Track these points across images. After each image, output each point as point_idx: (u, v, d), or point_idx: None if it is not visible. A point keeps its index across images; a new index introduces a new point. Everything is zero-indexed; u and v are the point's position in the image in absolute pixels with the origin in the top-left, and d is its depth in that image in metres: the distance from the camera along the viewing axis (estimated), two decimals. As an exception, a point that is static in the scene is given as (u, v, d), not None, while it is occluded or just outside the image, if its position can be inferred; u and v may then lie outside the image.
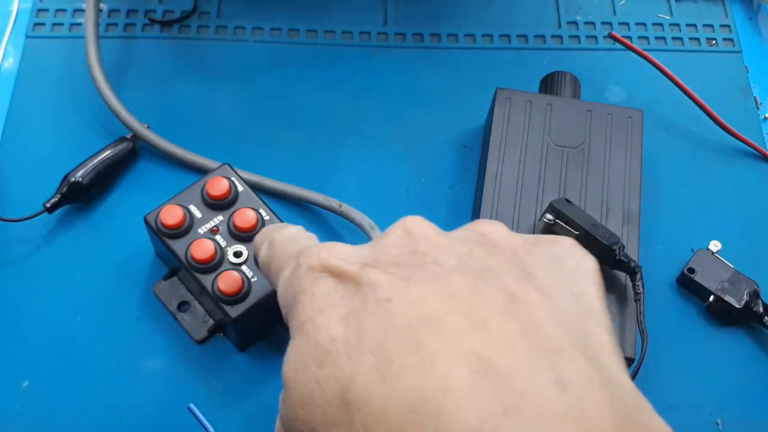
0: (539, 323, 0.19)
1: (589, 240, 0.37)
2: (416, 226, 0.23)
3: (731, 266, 0.42)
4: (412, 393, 0.18)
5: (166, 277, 0.40)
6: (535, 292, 0.21)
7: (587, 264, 0.23)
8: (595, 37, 0.51)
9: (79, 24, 0.49)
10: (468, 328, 0.19)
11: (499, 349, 0.18)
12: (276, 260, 0.26)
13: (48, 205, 0.41)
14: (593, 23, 0.52)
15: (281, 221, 0.38)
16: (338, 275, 0.22)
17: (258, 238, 0.30)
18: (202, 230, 0.37)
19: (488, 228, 0.24)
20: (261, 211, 0.38)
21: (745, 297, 0.41)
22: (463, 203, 0.44)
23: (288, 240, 0.27)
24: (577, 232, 0.37)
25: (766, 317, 0.40)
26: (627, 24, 0.52)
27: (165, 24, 0.50)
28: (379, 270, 0.21)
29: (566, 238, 0.24)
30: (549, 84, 0.45)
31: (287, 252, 0.26)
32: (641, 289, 0.37)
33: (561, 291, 0.21)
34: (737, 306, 0.40)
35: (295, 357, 0.21)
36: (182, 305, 0.40)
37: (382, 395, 0.18)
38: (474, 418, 0.17)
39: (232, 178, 0.38)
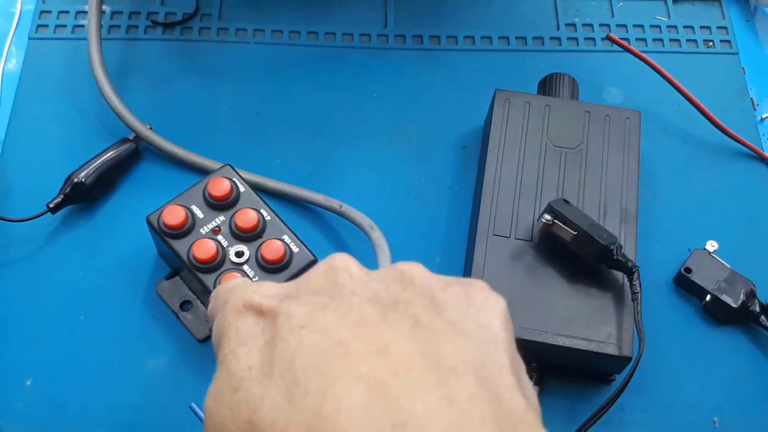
0: (439, 346, 0.21)
1: (587, 240, 0.37)
2: (340, 260, 0.25)
3: (728, 266, 0.42)
4: (312, 413, 0.19)
5: (169, 277, 0.40)
6: (441, 321, 0.22)
7: (496, 302, 0.24)
8: (593, 39, 0.52)
9: (82, 26, 0.50)
10: (370, 351, 0.20)
11: (395, 370, 0.20)
12: (214, 309, 0.28)
13: (51, 205, 0.41)
14: (591, 25, 0.52)
15: (282, 221, 0.38)
16: (259, 311, 0.23)
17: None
18: (204, 230, 0.38)
19: (407, 266, 0.25)
20: (262, 211, 0.38)
21: (742, 296, 0.41)
22: (462, 203, 0.45)
23: (228, 288, 0.28)
24: (575, 232, 0.37)
25: (762, 317, 0.41)
26: (625, 26, 0.53)
27: (167, 26, 0.50)
28: (297, 301, 0.23)
29: (479, 281, 0.25)
30: (547, 85, 0.45)
31: (222, 298, 0.27)
32: (638, 288, 0.37)
33: (467, 323, 0.23)
34: (734, 305, 0.41)
35: (214, 388, 0.23)
36: (184, 304, 0.40)
37: (285, 416, 0.20)
38: None
39: (234, 179, 0.39)
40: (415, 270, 0.25)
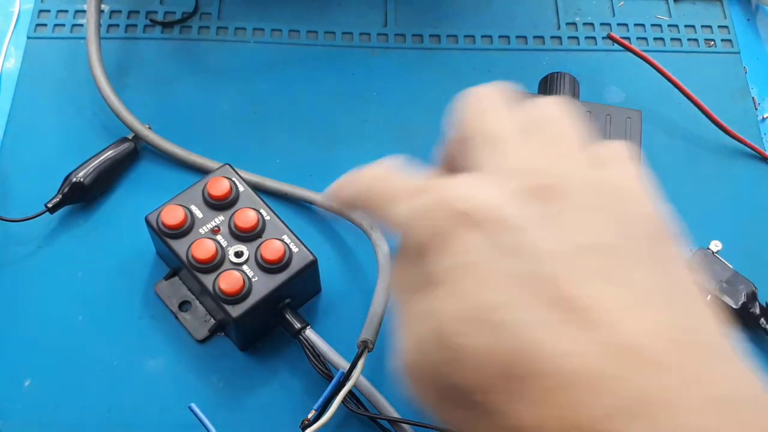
0: (685, 312, 0.21)
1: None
2: (547, 163, 0.23)
3: (731, 267, 0.42)
4: (580, 378, 0.19)
5: (167, 277, 0.40)
6: (669, 281, 0.22)
7: (680, 252, 0.24)
8: (594, 38, 0.52)
9: (81, 25, 0.50)
10: (624, 315, 0.20)
11: (654, 339, 0.19)
12: (379, 189, 0.26)
13: (50, 205, 0.41)
14: (592, 24, 0.52)
15: (282, 221, 0.38)
16: (481, 227, 0.21)
17: (330, 188, 0.30)
18: (203, 230, 0.37)
19: (610, 150, 0.25)
20: (262, 211, 0.38)
21: (743, 298, 0.41)
22: (462, 203, 0.44)
23: (385, 174, 0.27)
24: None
25: (762, 319, 0.40)
26: (626, 25, 0.52)
27: (166, 25, 0.50)
28: (527, 237, 0.21)
29: (661, 216, 0.25)
30: (548, 85, 0.45)
31: (393, 184, 0.25)
32: (640, 288, 0.37)
33: (683, 281, 0.23)
34: (734, 307, 0.41)
35: (446, 318, 0.21)
36: (183, 305, 0.40)
37: (550, 376, 0.19)
38: (636, 405, 0.18)
39: (233, 179, 0.39)
40: (631, 189, 0.25)
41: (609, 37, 0.48)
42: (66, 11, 0.50)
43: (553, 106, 0.26)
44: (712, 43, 0.52)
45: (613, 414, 0.18)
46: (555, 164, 0.23)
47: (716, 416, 0.18)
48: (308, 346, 0.37)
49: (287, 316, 0.38)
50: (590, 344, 0.19)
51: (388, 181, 0.26)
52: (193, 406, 0.37)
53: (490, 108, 0.26)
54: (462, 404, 0.21)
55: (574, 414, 0.19)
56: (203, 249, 0.36)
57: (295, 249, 0.37)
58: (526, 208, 0.22)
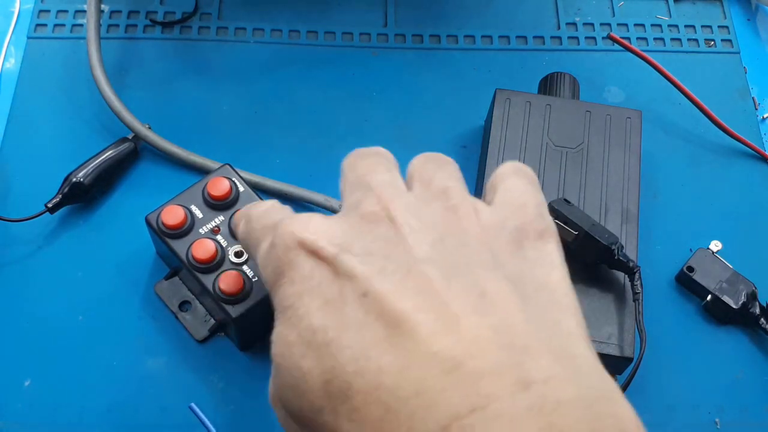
0: (509, 319, 0.20)
1: (588, 240, 0.37)
2: (390, 201, 0.24)
3: (730, 267, 0.42)
4: (389, 393, 0.19)
5: (168, 277, 0.40)
6: (506, 284, 0.21)
7: (549, 250, 0.24)
8: (594, 38, 0.52)
9: (81, 25, 0.50)
10: (440, 327, 0.20)
11: (469, 350, 0.19)
12: (253, 234, 0.27)
13: (49, 205, 0.41)
14: (592, 24, 0.52)
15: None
16: (314, 254, 0.23)
17: (236, 215, 0.32)
18: (203, 230, 0.37)
19: (458, 204, 0.24)
20: (262, 211, 0.38)
21: (743, 298, 0.41)
22: (462, 203, 0.44)
23: (263, 213, 0.28)
24: (576, 232, 0.37)
25: (762, 319, 0.41)
26: (626, 25, 0.52)
27: (166, 25, 0.50)
28: (355, 258, 0.22)
29: (529, 219, 0.24)
30: (548, 85, 0.45)
31: (263, 224, 0.27)
32: (640, 288, 0.37)
33: (527, 283, 0.22)
34: (734, 307, 0.41)
35: (282, 344, 0.22)
36: (183, 305, 0.40)
37: (362, 393, 0.20)
38: (444, 418, 0.18)
39: (233, 179, 0.39)
40: (467, 213, 0.24)
41: (609, 37, 0.48)
42: (66, 11, 0.50)
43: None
44: (712, 43, 0.52)
45: (439, 430, 0.18)
46: (395, 201, 0.24)
47: (536, 425, 0.18)
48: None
49: (287, 316, 0.38)
50: (410, 358, 0.19)
51: (259, 222, 0.27)
52: (193, 406, 0.37)
53: (372, 162, 0.27)
54: (310, 429, 0.22)
55: (392, 429, 0.19)
56: (203, 249, 0.36)
57: (295, 249, 0.37)
58: (361, 236, 0.23)
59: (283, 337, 0.22)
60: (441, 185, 0.25)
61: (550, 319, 0.21)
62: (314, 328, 0.21)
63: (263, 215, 0.27)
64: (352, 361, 0.20)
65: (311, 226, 0.24)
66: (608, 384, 0.20)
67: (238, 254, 0.37)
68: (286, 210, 0.28)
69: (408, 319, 0.20)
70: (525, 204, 0.25)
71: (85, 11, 0.47)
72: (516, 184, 0.26)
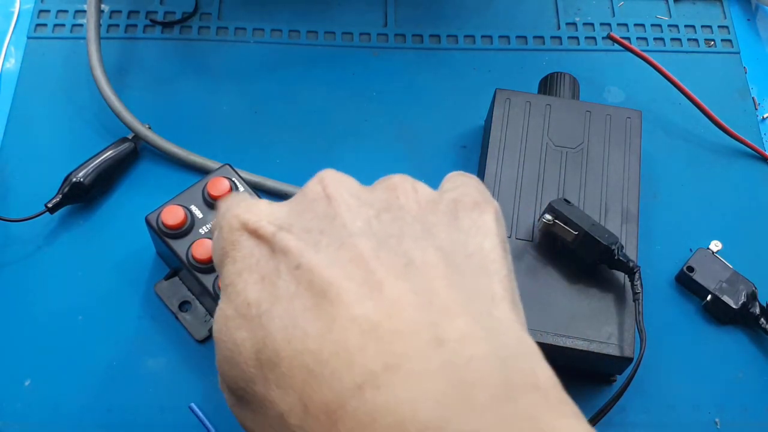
0: (432, 284, 0.21)
1: (588, 240, 0.37)
2: (332, 185, 0.25)
3: (730, 267, 0.42)
4: (312, 356, 0.20)
5: (167, 277, 0.40)
6: (434, 253, 0.22)
7: (483, 221, 0.25)
8: (594, 38, 0.52)
9: (81, 25, 0.50)
10: (364, 292, 0.21)
11: (388, 312, 0.20)
12: (213, 223, 0.28)
13: (50, 205, 0.41)
14: (592, 24, 0.52)
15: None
16: (255, 235, 0.24)
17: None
18: (203, 230, 0.37)
19: (398, 184, 0.25)
20: (262, 211, 0.38)
21: (743, 298, 0.41)
22: (462, 203, 0.44)
23: (223, 203, 0.28)
24: (576, 232, 0.37)
25: (762, 319, 0.41)
26: (626, 25, 0.52)
27: (166, 25, 0.50)
28: (291, 235, 0.23)
29: (468, 193, 0.26)
30: (548, 85, 0.45)
31: (221, 213, 0.28)
32: (640, 288, 0.37)
33: (458, 252, 0.23)
34: (734, 307, 0.41)
35: (220, 319, 0.23)
36: (183, 305, 0.40)
37: (288, 358, 0.21)
38: (358, 375, 0.19)
39: (233, 179, 0.39)
40: (406, 191, 0.25)
41: (609, 37, 0.48)
42: (66, 11, 0.50)
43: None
44: (712, 43, 0.52)
45: (354, 388, 0.19)
46: (337, 184, 0.25)
47: (447, 379, 0.19)
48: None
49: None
50: (332, 323, 0.20)
51: (218, 211, 0.28)
52: (193, 406, 0.37)
53: (336, 180, 0.27)
54: (246, 402, 0.23)
55: (317, 393, 0.20)
56: (203, 249, 0.36)
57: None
58: (301, 216, 0.24)
59: (222, 312, 0.23)
60: (392, 179, 0.26)
61: (476, 284, 0.22)
62: (249, 302, 0.22)
63: (222, 205, 0.28)
64: (281, 330, 0.21)
65: (254, 209, 0.25)
66: (525, 344, 0.21)
67: (238, 254, 0.37)
68: (244, 196, 0.29)
69: (334, 286, 0.21)
70: (465, 184, 0.26)
71: (85, 11, 0.47)
72: (457, 175, 0.28)
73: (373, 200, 0.25)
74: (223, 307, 0.23)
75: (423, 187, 0.26)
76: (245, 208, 0.25)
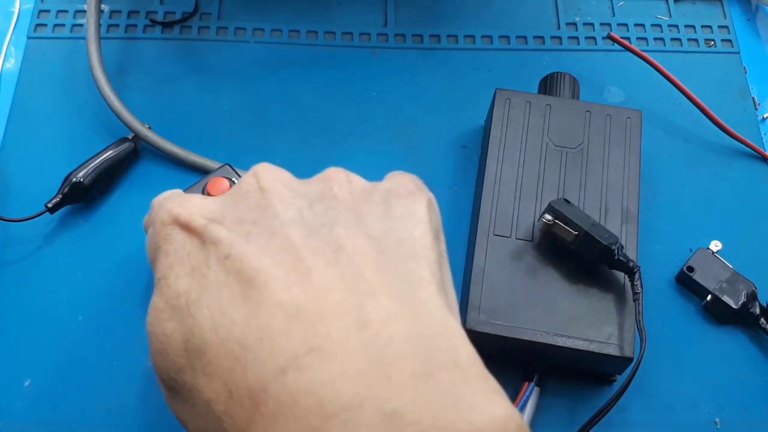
0: (359, 268, 0.22)
1: (588, 240, 0.37)
2: (267, 178, 0.25)
3: (730, 267, 0.42)
4: (237, 343, 0.20)
5: (168, 277, 0.40)
6: (364, 240, 0.23)
7: (415, 209, 0.25)
8: (594, 38, 0.52)
9: (81, 25, 0.50)
10: (292, 279, 0.21)
11: (313, 296, 0.20)
12: (148, 219, 0.28)
13: (49, 205, 0.41)
14: (592, 24, 0.52)
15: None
16: (187, 228, 0.24)
17: None
18: (203, 230, 0.37)
19: (332, 176, 0.26)
20: (262, 211, 0.38)
21: (743, 298, 0.41)
22: (462, 204, 0.44)
23: (159, 199, 0.28)
24: (576, 232, 0.37)
25: (762, 319, 0.40)
26: (626, 25, 0.52)
27: (166, 25, 0.50)
28: (222, 227, 0.23)
29: (402, 183, 0.26)
30: (548, 85, 0.45)
31: (155, 209, 0.28)
32: (640, 288, 0.37)
33: (389, 239, 0.24)
34: (734, 307, 0.41)
35: (152, 312, 0.24)
36: (183, 305, 0.40)
37: (214, 346, 0.21)
38: (282, 358, 0.19)
39: (233, 179, 0.39)
40: (340, 182, 0.26)
41: (609, 37, 0.48)
42: (66, 11, 0.50)
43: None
44: (712, 43, 0.52)
45: (277, 371, 0.19)
46: (271, 177, 0.26)
47: (367, 359, 0.19)
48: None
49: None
50: (258, 309, 0.20)
51: (152, 207, 0.28)
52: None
53: (271, 173, 0.28)
54: (176, 392, 0.23)
55: (241, 378, 0.20)
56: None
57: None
58: (234, 208, 0.24)
59: (153, 305, 0.24)
60: (327, 171, 0.27)
61: (404, 269, 0.22)
62: (179, 293, 0.23)
63: (159, 200, 0.28)
64: (208, 318, 0.21)
65: (187, 203, 0.25)
66: (448, 325, 0.21)
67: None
68: (178, 192, 0.29)
69: (262, 274, 0.21)
70: (401, 176, 0.27)
71: (85, 11, 0.47)
72: (396, 173, 0.28)
73: (307, 191, 0.25)
74: (155, 300, 0.24)
75: (357, 179, 0.27)
76: (177, 203, 0.25)
